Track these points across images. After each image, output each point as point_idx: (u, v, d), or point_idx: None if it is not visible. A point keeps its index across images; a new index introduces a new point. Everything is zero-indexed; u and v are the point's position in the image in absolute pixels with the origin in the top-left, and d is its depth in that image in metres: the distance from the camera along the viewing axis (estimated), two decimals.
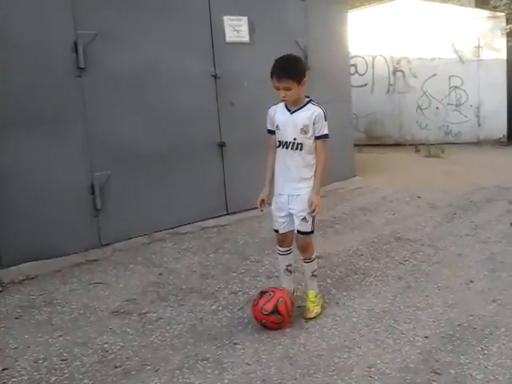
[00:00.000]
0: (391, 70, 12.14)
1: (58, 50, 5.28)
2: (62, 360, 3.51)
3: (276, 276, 4.68)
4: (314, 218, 3.92)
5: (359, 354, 3.46)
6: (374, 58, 12.14)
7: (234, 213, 6.69)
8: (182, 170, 6.26)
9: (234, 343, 3.64)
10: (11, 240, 5.04)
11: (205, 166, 6.50)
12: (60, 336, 3.85)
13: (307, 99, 3.91)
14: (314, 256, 4.06)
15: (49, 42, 5.20)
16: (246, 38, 6.87)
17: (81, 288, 4.74)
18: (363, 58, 12.12)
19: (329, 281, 4.66)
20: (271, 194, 4.02)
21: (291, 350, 3.54)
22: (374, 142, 12.11)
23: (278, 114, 3.95)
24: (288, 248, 4.09)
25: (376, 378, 3.20)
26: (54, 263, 5.18)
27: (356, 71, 12.04)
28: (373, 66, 12.16)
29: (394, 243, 5.62)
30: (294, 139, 3.85)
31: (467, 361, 3.35)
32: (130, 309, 4.26)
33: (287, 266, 4.12)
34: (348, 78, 8.75)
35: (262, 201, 3.99)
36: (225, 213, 6.69)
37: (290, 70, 3.77)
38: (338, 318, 3.96)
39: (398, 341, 3.62)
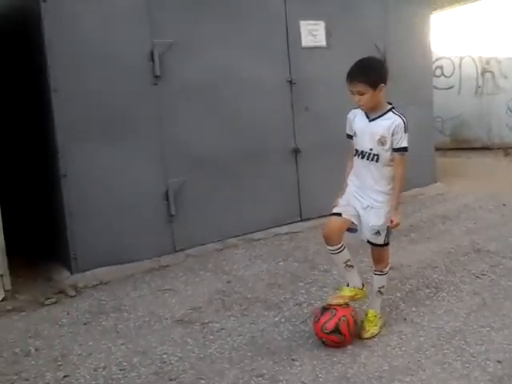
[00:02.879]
0: (480, 70, 11.56)
1: (135, 58, 5.40)
2: (121, 370, 3.55)
3: None
4: (388, 230, 3.70)
5: (423, 378, 3.27)
6: (461, 59, 11.61)
7: (307, 219, 6.59)
8: (256, 176, 6.24)
9: (292, 359, 3.55)
10: (87, 245, 5.18)
11: (279, 172, 6.45)
12: (122, 344, 3.91)
13: (389, 106, 3.64)
14: (386, 270, 3.85)
15: (127, 52, 5.33)
16: (322, 43, 6.76)
17: (150, 294, 4.81)
18: (450, 60, 11.65)
19: (398, 294, 4.48)
20: None
21: (350, 369, 3.41)
22: (460, 145, 11.58)
23: (357, 119, 3.71)
24: (337, 245, 3.61)
25: None
26: (127, 268, 5.29)
27: (442, 73, 11.63)
28: (460, 67, 11.65)
29: (473, 255, 5.34)
30: (371, 149, 3.60)
31: None
32: (194, 318, 4.27)
33: (346, 261, 3.69)
34: (430, 81, 8.42)
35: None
36: (298, 219, 6.61)
37: (363, 73, 3.52)
38: (403, 336, 3.78)
39: (467, 365, 3.40)
